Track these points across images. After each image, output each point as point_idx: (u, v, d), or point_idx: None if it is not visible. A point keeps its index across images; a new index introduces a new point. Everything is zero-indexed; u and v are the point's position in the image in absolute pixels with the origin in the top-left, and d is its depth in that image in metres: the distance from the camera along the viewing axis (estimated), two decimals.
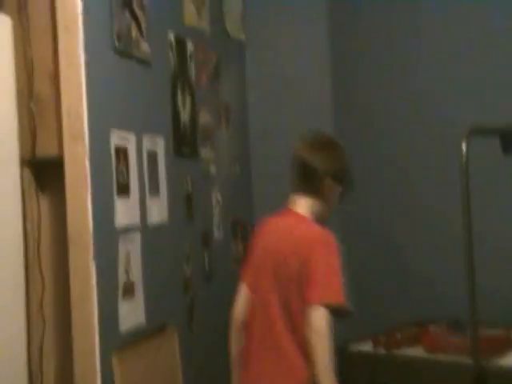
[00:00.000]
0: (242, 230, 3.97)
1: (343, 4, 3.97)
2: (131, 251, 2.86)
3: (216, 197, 3.70)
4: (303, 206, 2.59)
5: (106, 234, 2.71)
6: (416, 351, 3.10)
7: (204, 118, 3.62)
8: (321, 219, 2.58)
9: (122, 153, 2.85)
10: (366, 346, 3.15)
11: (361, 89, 3.91)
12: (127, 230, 2.84)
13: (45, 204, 2.74)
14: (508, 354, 2.97)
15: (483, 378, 2.71)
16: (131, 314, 2.83)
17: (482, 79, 3.53)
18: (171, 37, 3.34)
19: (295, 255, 2.45)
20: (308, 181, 2.57)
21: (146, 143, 3.05)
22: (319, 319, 2.32)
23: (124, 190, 2.85)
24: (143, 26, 3.05)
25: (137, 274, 2.89)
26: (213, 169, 3.68)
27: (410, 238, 3.55)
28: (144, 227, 2.97)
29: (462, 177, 2.70)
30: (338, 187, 2.58)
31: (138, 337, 2.87)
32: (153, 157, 3.10)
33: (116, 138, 2.81)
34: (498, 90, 3.48)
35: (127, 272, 2.83)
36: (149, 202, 3.03)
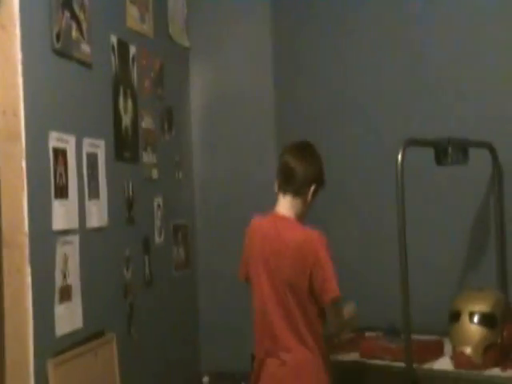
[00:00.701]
0: (184, 235, 3.95)
1: (287, 12, 4.00)
2: (69, 254, 2.82)
3: (158, 201, 3.67)
4: (288, 208, 2.78)
5: (43, 236, 2.67)
6: (352, 356, 3.12)
7: (146, 122, 3.60)
8: (301, 218, 2.79)
9: (60, 155, 2.81)
10: None
11: (301, 95, 3.94)
12: (65, 233, 2.80)
13: None
14: (440, 359, 3.02)
15: (415, 382, 2.81)
16: (68, 318, 2.79)
17: (415, 92, 3.59)
18: (113, 40, 3.31)
19: (298, 255, 2.67)
20: (294, 185, 2.76)
21: (86, 146, 3.02)
22: (340, 310, 2.73)
23: (62, 192, 2.81)
24: (84, 27, 3.03)
25: (74, 278, 2.85)
26: (154, 173, 3.65)
27: (346, 246, 3.59)
28: (83, 230, 2.93)
29: (397, 185, 2.80)
30: (317, 190, 2.81)
31: (75, 342, 2.83)
32: (93, 160, 3.07)
33: (54, 140, 2.77)
34: (430, 103, 3.55)
35: (64, 275, 2.78)
36: (88, 205, 3.00)
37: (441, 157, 3.06)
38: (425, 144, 3.07)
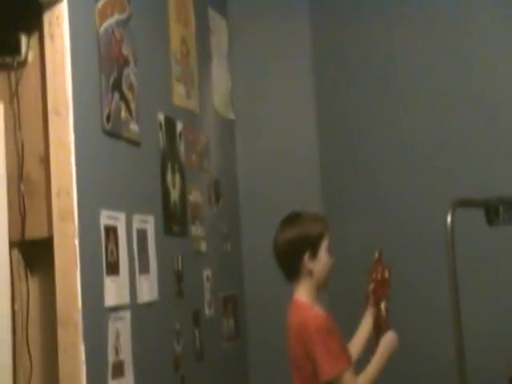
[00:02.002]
0: (233, 306, 3.97)
1: (329, 76, 4.08)
2: (121, 330, 2.86)
3: (206, 274, 3.71)
4: (296, 290, 2.63)
5: (96, 313, 2.71)
6: None
7: (194, 196, 3.67)
8: (320, 285, 2.62)
9: (111, 232, 2.87)
10: None
11: (347, 160, 3.99)
12: (117, 309, 2.84)
13: (34, 284, 2.74)
14: None
15: None
16: None
17: (462, 153, 3.62)
18: (160, 117, 3.41)
19: (297, 341, 2.56)
20: (287, 267, 2.62)
21: (136, 222, 3.08)
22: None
23: (114, 268, 2.86)
24: (133, 107, 3.13)
25: (126, 353, 2.88)
26: (203, 246, 3.70)
27: (397, 315, 3.56)
28: (134, 305, 2.97)
29: (447, 249, 2.75)
30: (318, 252, 2.58)
31: None
32: (143, 235, 3.13)
33: (105, 218, 2.84)
34: (479, 163, 3.56)
35: (117, 351, 2.81)
36: (139, 280, 3.04)
37: (492, 217, 3.00)
38: (474, 204, 3.02)
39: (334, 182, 4.02)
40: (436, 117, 3.73)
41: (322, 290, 2.66)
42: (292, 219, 2.65)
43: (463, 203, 2.90)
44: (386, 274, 2.74)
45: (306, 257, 2.56)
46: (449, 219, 2.75)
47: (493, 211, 2.99)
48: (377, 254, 2.73)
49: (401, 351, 3.45)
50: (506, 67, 3.58)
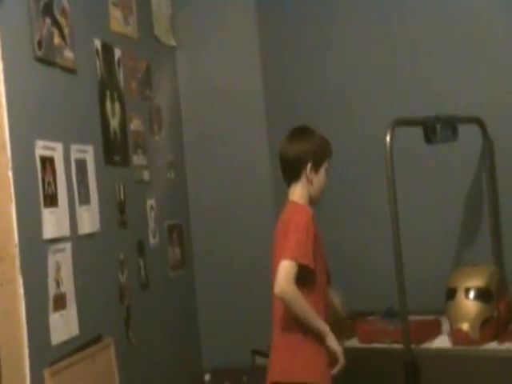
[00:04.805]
0: (179, 235, 3.95)
1: (273, 6, 3.99)
2: (61, 262, 2.82)
3: (150, 203, 3.66)
4: (293, 193, 2.79)
5: (34, 246, 2.66)
6: (351, 343, 3.12)
7: (135, 124, 3.59)
8: (313, 199, 2.79)
9: (48, 163, 2.80)
10: None
11: (290, 88, 3.93)
12: (56, 241, 2.80)
13: None
14: (438, 338, 3.04)
15: (414, 362, 2.81)
16: (63, 326, 2.78)
17: (399, 71, 3.61)
18: (97, 44, 3.30)
19: (283, 231, 2.69)
20: (288, 171, 2.80)
21: (74, 152, 3.00)
22: (281, 270, 2.55)
23: (52, 200, 2.80)
24: (66, 33, 3.01)
25: (68, 285, 2.85)
26: (146, 175, 3.64)
27: (339, 231, 3.60)
28: (74, 237, 2.93)
29: (386, 165, 2.81)
30: (320, 168, 2.78)
31: (72, 349, 2.82)
32: (82, 166, 3.06)
33: (41, 148, 2.76)
34: (418, 85, 3.54)
35: (58, 283, 2.78)
36: (79, 211, 2.99)
37: (430, 135, 3.04)
38: (413, 123, 3.07)
39: (278, 109, 3.97)
40: (376, 40, 3.67)
41: (313, 206, 2.78)
42: (303, 133, 2.82)
43: (402, 122, 2.96)
44: None
45: (309, 166, 2.75)
46: (388, 137, 2.82)
47: (430, 130, 3.02)
48: None
49: (343, 261, 3.53)
50: None
